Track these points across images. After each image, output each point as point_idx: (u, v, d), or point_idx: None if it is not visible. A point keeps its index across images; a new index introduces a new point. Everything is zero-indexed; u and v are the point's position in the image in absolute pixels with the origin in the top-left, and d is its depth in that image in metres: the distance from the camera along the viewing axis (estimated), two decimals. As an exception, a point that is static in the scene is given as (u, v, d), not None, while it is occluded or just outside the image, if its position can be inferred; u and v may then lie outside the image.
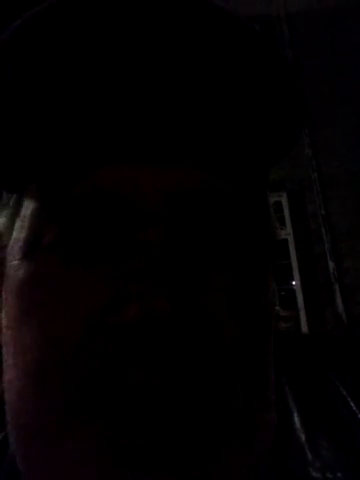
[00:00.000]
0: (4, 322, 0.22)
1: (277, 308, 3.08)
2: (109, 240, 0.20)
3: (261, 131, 0.22)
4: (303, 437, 0.25)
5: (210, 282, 0.20)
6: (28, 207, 0.22)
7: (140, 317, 0.17)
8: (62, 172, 0.20)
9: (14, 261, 0.22)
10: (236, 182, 0.21)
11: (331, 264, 2.91)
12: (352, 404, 0.27)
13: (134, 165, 0.20)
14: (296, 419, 0.26)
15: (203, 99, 0.20)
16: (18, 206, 0.23)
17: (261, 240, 0.22)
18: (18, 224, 0.23)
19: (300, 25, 3.25)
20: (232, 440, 0.19)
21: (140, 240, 0.19)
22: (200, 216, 0.20)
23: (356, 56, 3.04)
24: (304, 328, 2.96)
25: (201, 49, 0.19)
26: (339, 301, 2.81)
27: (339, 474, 0.24)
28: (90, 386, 0.18)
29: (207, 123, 0.20)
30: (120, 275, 0.19)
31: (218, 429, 0.18)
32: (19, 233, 0.22)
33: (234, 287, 0.20)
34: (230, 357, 0.19)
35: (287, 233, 3.30)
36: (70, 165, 0.20)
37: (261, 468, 0.22)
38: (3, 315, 0.22)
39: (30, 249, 0.21)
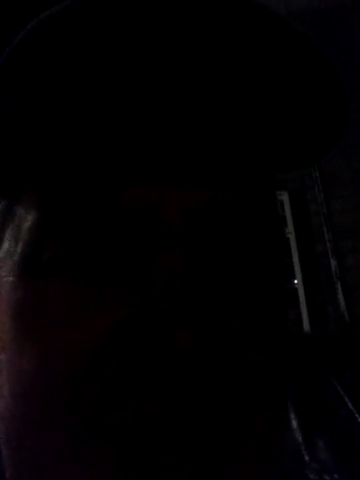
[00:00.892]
0: None
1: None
2: (125, 261, 0.18)
3: (293, 146, 0.21)
4: (300, 438, 0.25)
5: (232, 306, 0.19)
6: (24, 217, 0.20)
7: (159, 348, 0.16)
8: (74, 186, 0.19)
9: (9, 277, 0.20)
10: (254, 197, 0.20)
11: (333, 263, 2.90)
12: (350, 404, 0.27)
13: (159, 187, 0.18)
14: (293, 419, 0.26)
15: (239, 120, 0.19)
16: (9, 214, 0.21)
17: (276, 251, 0.21)
18: (10, 234, 0.21)
19: (300, 23, 3.24)
20: (253, 467, 0.18)
21: (161, 263, 0.17)
22: (221, 237, 0.19)
23: (356, 54, 3.03)
24: (306, 327, 2.96)
25: (232, 57, 0.17)
26: (341, 300, 2.80)
27: (336, 476, 0.24)
28: (100, 415, 0.17)
29: (235, 144, 0.19)
30: (138, 299, 0.17)
31: (239, 460, 0.18)
32: (13, 245, 0.20)
33: (257, 308, 0.19)
34: (255, 382, 0.18)
35: (289, 232, 3.29)
36: (87, 180, 0.19)
37: None
38: None
39: (29, 265, 0.19)
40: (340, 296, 2.81)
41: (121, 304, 0.17)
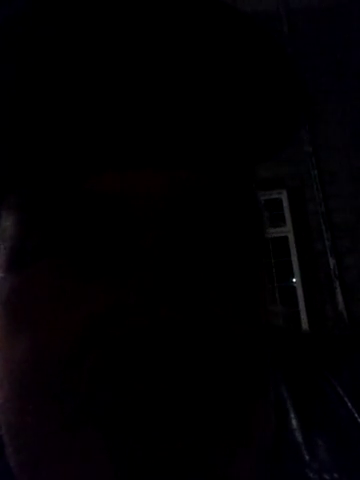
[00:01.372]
0: None
1: (277, 305, 3.09)
2: (105, 248, 0.19)
3: (257, 128, 0.21)
4: (300, 437, 0.25)
5: (212, 284, 0.19)
6: (6, 217, 0.21)
7: (144, 326, 0.16)
8: (51, 179, 0.19)
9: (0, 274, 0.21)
10: (228, 179, 0.21)
11: (332, 261, 2.91)
12: (349, 404, 0.27)
13: (129, 171, 0.19)
14: (293, 419, 0.26)
15: (197, 101, 0.19)
16: None
17: (254, 236, 0.22)
18: None
19: (301, 21, 3.23)
20: (237, 443, 0.19)
21: (141, 247, 0.18)
22: (199, 218, 0.20)
23: (357, 52, 3.02)
24: (304, 325, 2.96)
25: (195, 48, 0.18)
26: (340, 298, 2.81)
27: (336, 475, 0.24)
28: (91, 398, 0.17)
29: (202, 123, 0.20)
30: (120, 284, 0.18)
31: (223, 434, 0.18)
32: (0, 245, 0.21)
33: (235, 288, 0.20)
34: (237, 361, 0.19)
35: (287, 230, 3.30)
36: (61, 172, 0.19)
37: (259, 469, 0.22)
38: None
39: (14, 260, 0.20)
40: (339, 295, 2.82)
41: (104, 290, 0.18)
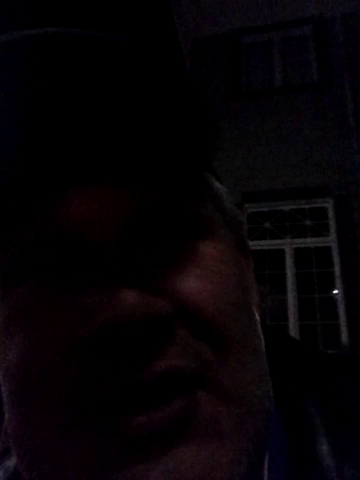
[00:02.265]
0: None
1: (316, 317, 2.99)
2: (70, 266, 0.21)
3: (176, 141, 0.23)
4: (330, 463, 0.24)
5: (168, 265, 0.21)
6: None
7: (108, 319, 0.18)
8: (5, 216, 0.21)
9: None
10: (168, 184, 0.22)
11: (376, 274, 2.80)
12: None
13: (74, 197, 0.21)
14: (323, 444, 0.25)
15: (118, 128, 0.21)
16: None
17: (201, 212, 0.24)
18: None
19: (355, 25, 3.14)
20: (224, 410, 0.19)
21: (102, 266, 0.20)
22: (150, 227, 0.22)
23: None
24: (344, 339, 2.86)
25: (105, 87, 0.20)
26: (383, 313, 2.69)
27: None
28: (80, 397, 0.18)
29: (126, 144, 0.22)
30: (86, 290, 0.20)
31: (209, 403, 0.19)
32: None
33: (196, 268, 0.22)
34: (209, 333, 0.20)
35: (331, 240, 3.20)
36: (13, 204, 0.21)
37: None
38: None
39: (8, 281, 0.22)
40: (382, 310, 2.70)
41: (72, 300, 0.20)
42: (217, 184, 0.28)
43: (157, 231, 0.22)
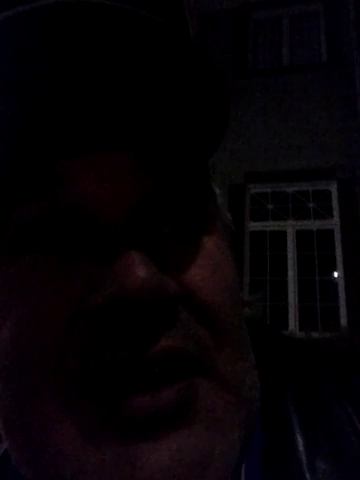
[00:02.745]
0: None
1: (316, 300, 3.01)
2: (76, 241, 0.21)
3: (191, 125, 0.22)
4: (303, 458, 0.25)
5: (176, 252, 0.21)
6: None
7: (118, 291, 0.18)
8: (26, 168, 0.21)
9: None
10: (176, 172, 0.22)
11: (378, 258, 2.80)
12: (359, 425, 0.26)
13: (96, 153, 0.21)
14: (298, 437, 0.25)
15: (133, 101, 0.21)
16: None
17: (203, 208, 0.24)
18: None
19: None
20: (221, 398, 0.20)
21: (109, 244, 0.20)
22: (155, 212, 0.22)
23: None
24: (343, 322, 2.89)
25: (128, 59, 0.19)
26: (383, 297, 2.70)
27: None
28: (80, 372, 0.18)
29: (138, 118, 0.21)
30: (93, 263, 0.19)
31: (207, 390, 0.20)
32: None
33: (199, 258, 0.22)
34: (209, 319, 0.21)
35: (334, 223, 3.20)
36: (34, 158, 0.21)
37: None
38: None
39: (8, 253, 0.21)
40: (382, 294, 2.71)
41: (80, 271, 0.20)
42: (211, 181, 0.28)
43: (165, 218, 0.22)
